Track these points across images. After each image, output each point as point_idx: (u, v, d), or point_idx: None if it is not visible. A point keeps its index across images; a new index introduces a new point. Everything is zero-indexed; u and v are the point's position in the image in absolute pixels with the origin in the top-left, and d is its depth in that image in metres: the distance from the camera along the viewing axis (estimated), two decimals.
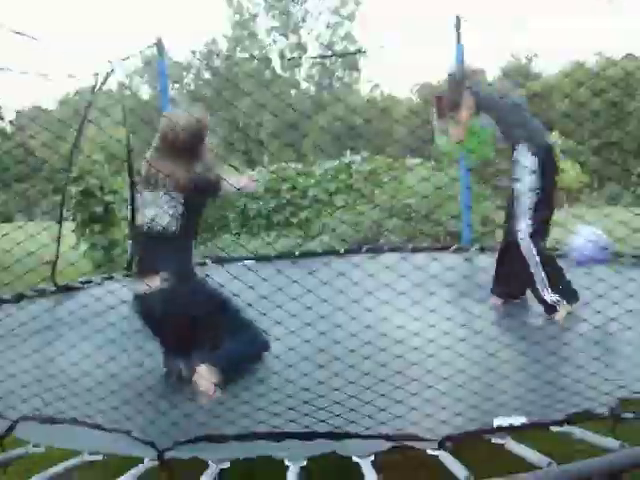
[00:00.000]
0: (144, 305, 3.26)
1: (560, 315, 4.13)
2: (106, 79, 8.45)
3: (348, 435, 2.26)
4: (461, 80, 4.45)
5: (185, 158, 3.27)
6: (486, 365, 2.91)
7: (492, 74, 23.41)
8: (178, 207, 3.24)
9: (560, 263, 4.25)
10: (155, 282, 3.16)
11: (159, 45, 7.92)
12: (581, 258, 4.18)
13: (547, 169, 4.23)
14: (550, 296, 4.16)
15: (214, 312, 3.20)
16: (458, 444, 2.17)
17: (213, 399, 2.91)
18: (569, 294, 4.18)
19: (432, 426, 2.34)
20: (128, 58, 8.98)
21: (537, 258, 4.17)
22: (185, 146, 3.28)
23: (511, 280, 4.55)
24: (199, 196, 3.31)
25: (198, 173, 3.27)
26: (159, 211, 3.25)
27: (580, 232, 4.22)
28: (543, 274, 4.18)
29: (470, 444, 2.33)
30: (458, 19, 7.76)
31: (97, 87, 8.41)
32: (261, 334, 3.29)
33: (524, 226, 4.21)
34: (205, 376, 2.99)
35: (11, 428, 2.55)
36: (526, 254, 4.22)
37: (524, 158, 4.23)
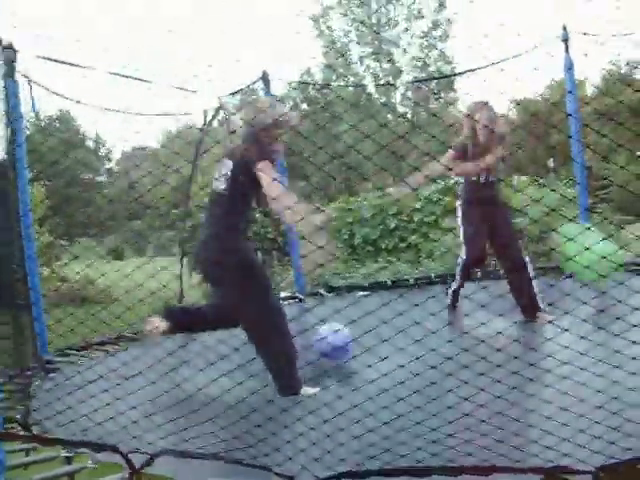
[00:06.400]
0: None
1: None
2: (215, 116, 8.61)
3: (497, 469, 2.18)
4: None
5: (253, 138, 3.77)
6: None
7: (594, 82, 22.55)
8: (227, 171, 3.80)
9: None
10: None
11: (265, 78, 7.68)
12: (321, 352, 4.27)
13: None
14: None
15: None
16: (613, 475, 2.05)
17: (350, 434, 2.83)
18: None
19: (584, 457, 2.23)
20: (236, 94, 9.11)
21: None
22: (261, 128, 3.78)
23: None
24: (243, 166, 3.70)
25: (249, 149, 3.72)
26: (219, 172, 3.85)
27: (321, 330, 4.26)
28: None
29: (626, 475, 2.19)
30: (565, 29, 7.50)
31: (207, 124, 8.56)
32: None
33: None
34: None
35: (148, 463, 2.53)
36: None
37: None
